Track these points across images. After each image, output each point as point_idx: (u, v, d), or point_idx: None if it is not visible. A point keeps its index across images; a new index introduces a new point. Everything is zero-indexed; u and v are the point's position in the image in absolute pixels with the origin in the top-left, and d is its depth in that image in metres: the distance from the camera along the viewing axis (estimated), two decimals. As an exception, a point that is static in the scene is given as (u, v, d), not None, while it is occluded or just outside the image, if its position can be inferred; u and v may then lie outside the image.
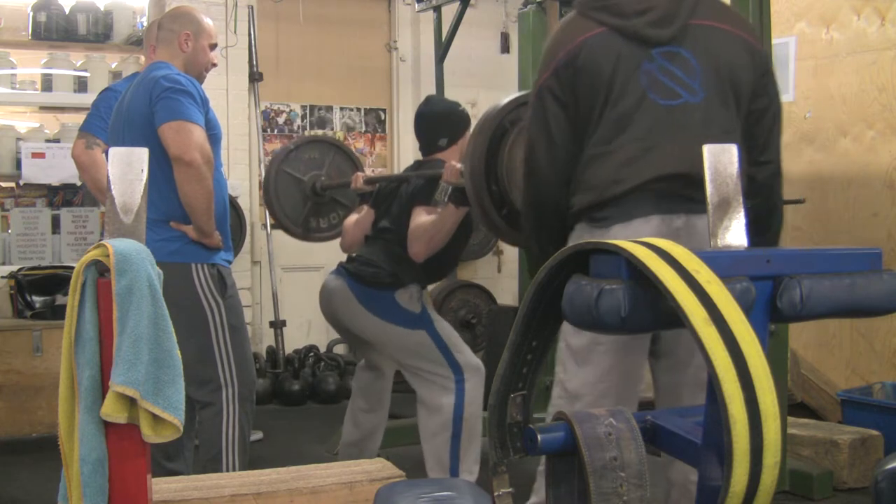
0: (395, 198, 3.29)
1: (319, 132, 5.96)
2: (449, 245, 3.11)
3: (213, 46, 3.03)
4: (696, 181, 1.95)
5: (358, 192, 3.51)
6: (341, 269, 3.29)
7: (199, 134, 2.76)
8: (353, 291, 3.19)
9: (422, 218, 3.08)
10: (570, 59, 2.07)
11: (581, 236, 2.08)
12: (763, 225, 2.14)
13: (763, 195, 2.13)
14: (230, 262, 3.02)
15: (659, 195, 2.00)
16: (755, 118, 2.11)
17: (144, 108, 2.80)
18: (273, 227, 5.52)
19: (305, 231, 3.93)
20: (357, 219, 3.43)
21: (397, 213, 3.22)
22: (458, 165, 2.95)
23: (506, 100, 2.64)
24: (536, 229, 2.22)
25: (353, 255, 3.33)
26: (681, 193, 2.00)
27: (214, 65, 3.06)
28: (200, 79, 2.99)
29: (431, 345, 3.16)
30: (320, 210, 3.95)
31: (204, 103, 2.84)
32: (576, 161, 2.10)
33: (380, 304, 3.16)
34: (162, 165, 2.72)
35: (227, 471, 2.82)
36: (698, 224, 1.99)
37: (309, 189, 3.89)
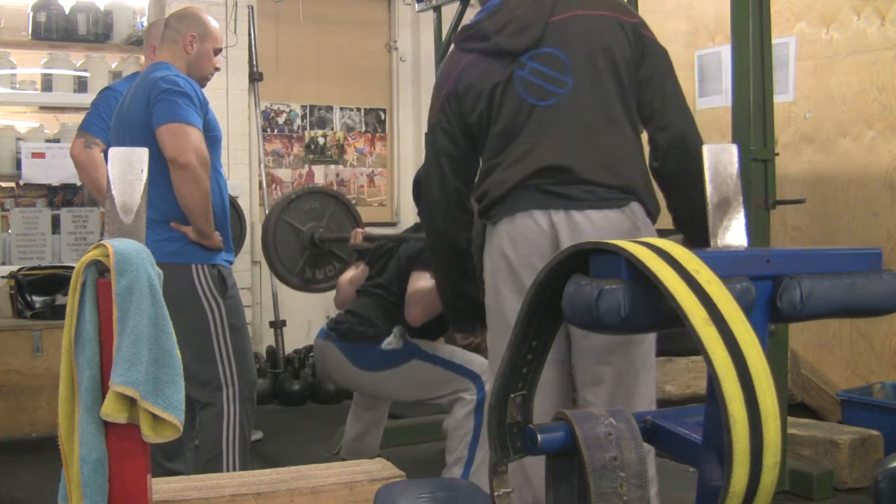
0: (392, 256, 3.30)
1: (320, 131, 5.96)
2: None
3: (218, 51, 3.02)
4: (572, 172, 2.05)
5: (356, 248, 3.52)
6: (329, 333, 3.29)
7: (195, 136, 2.75)
8: (344, 353, 3.21)
9: (421, 283, 3.08)
10: (451, 91, 2.21)
11: (487, 232, 2.20)
12: (684, 195, 2.15)
13: (672, 160, 2.14)
14: (231, 263, 3.02)
15: (538, 191, 2.09)
16: (644, 86, 2.16)
17: (142, 110, 2.79)
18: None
19: (302, 282, 3.93)
20: (352, 276, 3.45)
21: (395, 273, 3.23)
22: None
23: None
24: (437, 260, 2.37)
25: (343, 311, 3.32)
26: (558, 191, 2.07)
27: (217, 69, 3.05)
28: (203, 83, 2.97)
29: (432, 367, 3.15)
30: (317, 261, 3.95)
31: (202, 105, 2.84)
32: (467, 192, 2.24)
33: (369, 358, 3.17)
34: (161, 166, 2.72)
35: (228, 471, 2.82)
36: (578, 218, 2.06)
37: (307, 240, 3.90)
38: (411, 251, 3.21)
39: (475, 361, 3.18)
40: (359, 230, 3.57)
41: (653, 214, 2.14)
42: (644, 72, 2.15)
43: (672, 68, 2.20)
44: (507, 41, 2.14)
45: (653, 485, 2.11)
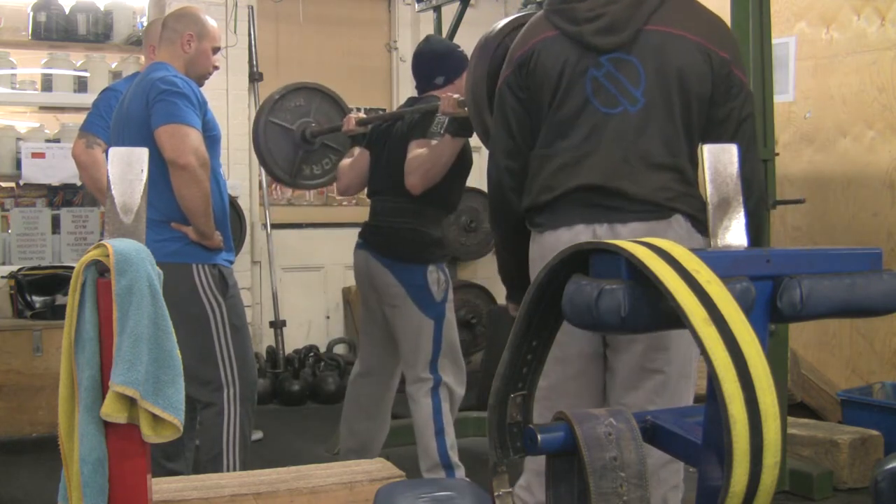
0: (388, 137, 3.27)
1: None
2: (452, 178, 3.13)
3: (216, 50, 3.02)
4: (613, 193, 2.00)
5: (349, 135, 3.48)
6: (367, 245, 3.27)
7: (194, 137, 2.76)
8: (385, 266, 3.19)
9: (419, 150, 3.08)
10: (525, 59, 2.14)
11: (533, 238, 2.16)
12: None
13: None
14: (231, 263, 3.02)
15: (583, 203, 2.05)
16: (717, 125, 2.06)
17: (142, 111, 2.79)
18: (273, 226, 5.52)
19: (299, 179, 3.90)
20: (352, 161, 3.42)
21: (398, 154, 3.18)
22: (456, 95, 2.97)
23: (503, 21, 2.58)
24: (498, 227, 2.31)
25: (374, 224, 3.30)
26: (603, 203, 2.03)
27: (216, 68, 3.05)
28: (202, 82, 2.97)
29: (430, 337, 3.16)
30: (311, 157, 3.89)
31: (201, 105, 2.84)
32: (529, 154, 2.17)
33: (410, 277, 3.16)
34: (161, 167, 2.72)
35: (228, 471, 2.83)
36: (622, 231, 2.01)
37: (299, 137, 3.84)
38: (407, 125, 3.19)
39: (448, 367, 3.19)
40: (351, 116, 3.51)
41: (700, 231, 2.06)
42: (721, 111, 2.05)
43: (752, 113, 2.10)
44: (593, 37, 2.05)
45: (678, 491, 2.09)
